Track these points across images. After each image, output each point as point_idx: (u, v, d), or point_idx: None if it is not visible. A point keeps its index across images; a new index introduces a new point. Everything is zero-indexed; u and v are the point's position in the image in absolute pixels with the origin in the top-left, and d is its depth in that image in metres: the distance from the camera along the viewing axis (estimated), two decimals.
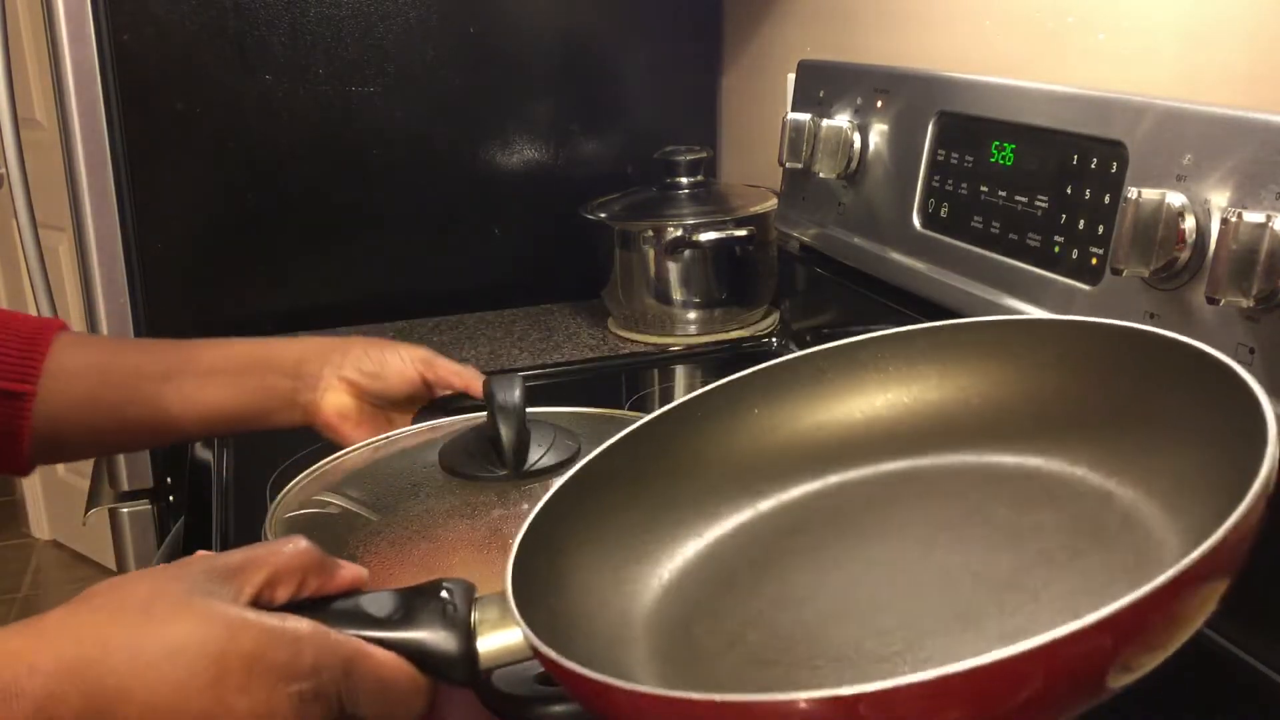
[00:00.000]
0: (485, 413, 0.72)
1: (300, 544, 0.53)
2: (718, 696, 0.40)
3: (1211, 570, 0.41)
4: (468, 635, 0.52)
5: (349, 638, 0.51)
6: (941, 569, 0.53)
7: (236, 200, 1.40)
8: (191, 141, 1.36)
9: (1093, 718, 0.65)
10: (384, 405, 0.84)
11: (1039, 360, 0.58)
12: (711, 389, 0.62)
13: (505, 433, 0.69)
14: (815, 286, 1.28)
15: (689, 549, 0.59)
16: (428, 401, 0.86)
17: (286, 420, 0.84)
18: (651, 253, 1.32)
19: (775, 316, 1.39)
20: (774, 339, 1.35)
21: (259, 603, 0.51)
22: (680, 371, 1.31)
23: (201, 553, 0.52)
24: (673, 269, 1.32)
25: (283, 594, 0.52)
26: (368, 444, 0.80)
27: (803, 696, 0.39)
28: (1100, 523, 0.52)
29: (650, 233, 1.32)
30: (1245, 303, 0.67)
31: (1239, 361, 0.70)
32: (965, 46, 1.07)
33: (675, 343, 1.34)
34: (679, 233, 1.30)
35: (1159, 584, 0.40)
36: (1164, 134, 0.76)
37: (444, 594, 0.53)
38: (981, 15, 1.05)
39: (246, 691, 0.47)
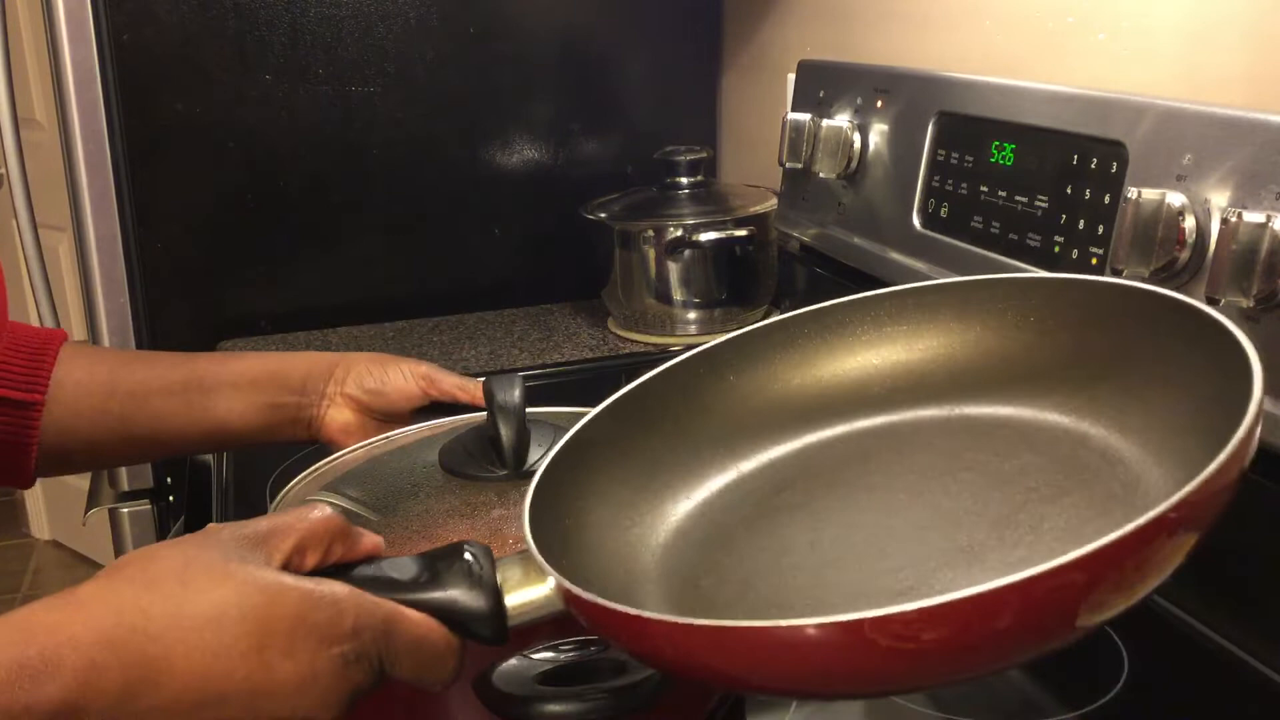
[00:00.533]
0: (485, 413, 0.72)
1: (325, 510, 0.53)
2: (749, 623, 0.42)
3: (1217, 485, 0.43)
4: (495, 593, 0.52)
5: (385, 599, 0.51)
6: (935, 512, 0.55)
7: (236, 200, 1.40)
8: (191, 141, 1.36)
9: (1095, 717, 0.65)
10: (387, 420, 0.85)
11: (1005, 319, 0.60)
12: (686, 357, 0.63)
13: (505, 432, 0.69)
14: (815, 286, 1.28)
15: (680, 510, 0.61)
16: (425, 416, 0.86)
17: (291, 435, 0.85)
18: (651, 253, 1.32)
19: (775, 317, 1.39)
20: None
21: (288, 569, 0.50)
22: None
23: (217, 524, 0.52)
24: (673, 269, 1.32)
25: (311, 560, 0.52)
26: (367, 444, 0.80)
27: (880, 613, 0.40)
28: (1081, 461, 0.54)
29: (650, 233, 1.32)
30: (1245, 303, 0.67)
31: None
32: (965, 46, 1.07)
33: (675, 343, 1.34)
34: (679, 233, 1.30)
35: (1169, 504, 0.41)
36: (1164, 134, 0.76)
37: (467, 555, 0.53)
38: (981, 15, 1.05)
39: (290, 655, 0.47)
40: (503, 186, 1.49)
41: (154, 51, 1.32)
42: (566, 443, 0.59)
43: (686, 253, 1.31)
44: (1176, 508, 0.41)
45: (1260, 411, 0.45)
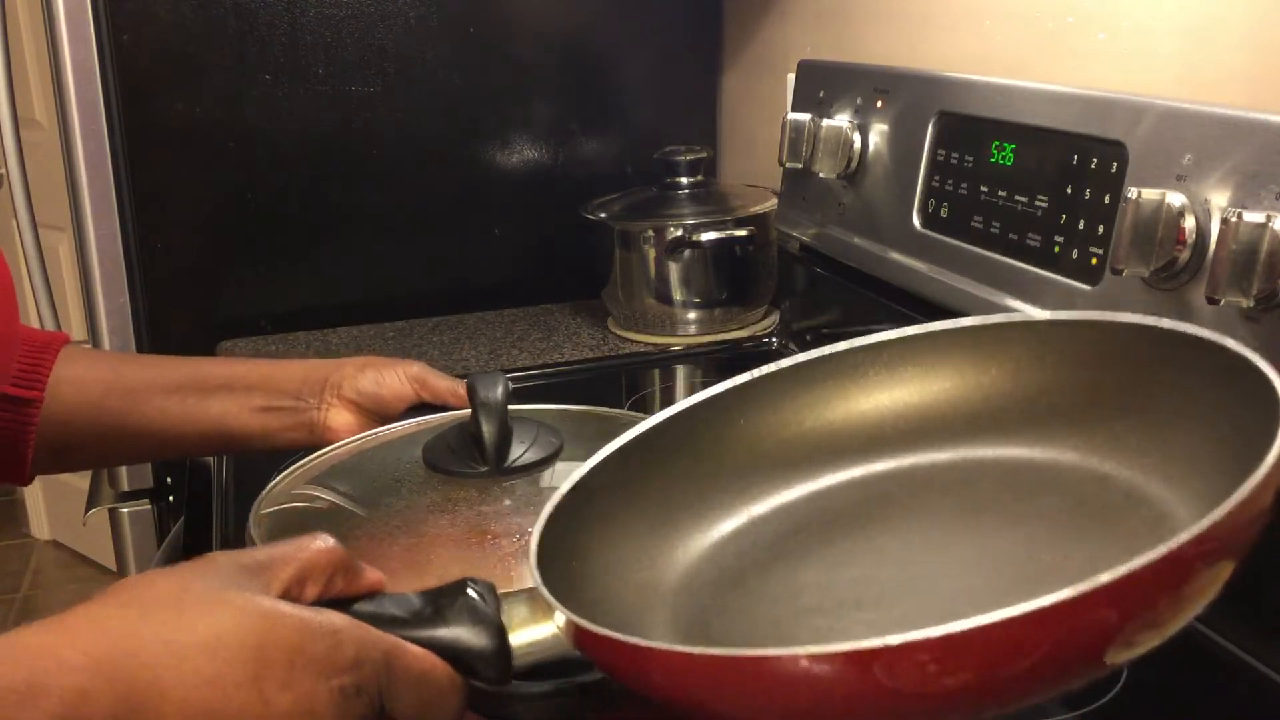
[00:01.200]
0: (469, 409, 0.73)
1: (327, 541, 0.52)
2: (747, 651, 0.40)
3: (1237, 523, 0.41)
4: (500, 632, 0.51)
5: (386, 633, 0.50)
6: (955, 556, 0.54)
7: (236, 200, 1.40)
8: (191, 141, 1.36)
9: (1095, 717, 0.65)
10: (383, 421, 0.86)
11: (1019, 359, 0.59)
12: (697, 400, 0.63)
13: (486, 429, 0.70)
14: (815, 286, 1.28)
15: (690, 553, 0.60)
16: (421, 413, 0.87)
17: (291, 440, 0.85)
18: (651, 253, 1.32)
19: (775, 316, 1.39)
20: (774, 339, 1.35)
21: (287, 598, 0.49)
22: (680, 372, 1.32)
23: (217, 552, 0.50)
24: (673, 269, 1.32)
25: (311, 591, 0.50)
26: (353, 440, 0.81)
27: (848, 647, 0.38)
28: (1103, 501, 0.53)
29: (650, 233, 1.32)
30: (1245, 303, 0.67)
31: None
32: (965, 46, 1.07)
33: (675, 343, 1.34)
34: (679, 233, 1.30)
35: (1189, 536, 0.39)
36: (1164, 134, 0.76)
37: (471, 592, 0.52)
38: (981, 15, 1.05)
39: (288, 686, 0.46)
40: (503, 186, 1.49)
41: (154, 51, 1.32)
42: (575, 484, 0.58)
43: (686, 253, 1.31)
44: (1202, 537, 0.40)
45: None
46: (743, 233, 1.30)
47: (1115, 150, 0.81)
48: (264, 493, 0.74)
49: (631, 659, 0.45)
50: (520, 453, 0.71)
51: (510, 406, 0.72)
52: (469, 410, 0.72)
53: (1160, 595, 0.41)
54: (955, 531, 0.55)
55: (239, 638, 0.46)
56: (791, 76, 1.30)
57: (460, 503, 0.68)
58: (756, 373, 0.63)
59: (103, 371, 0.84)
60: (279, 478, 0.75)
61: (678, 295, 1.34)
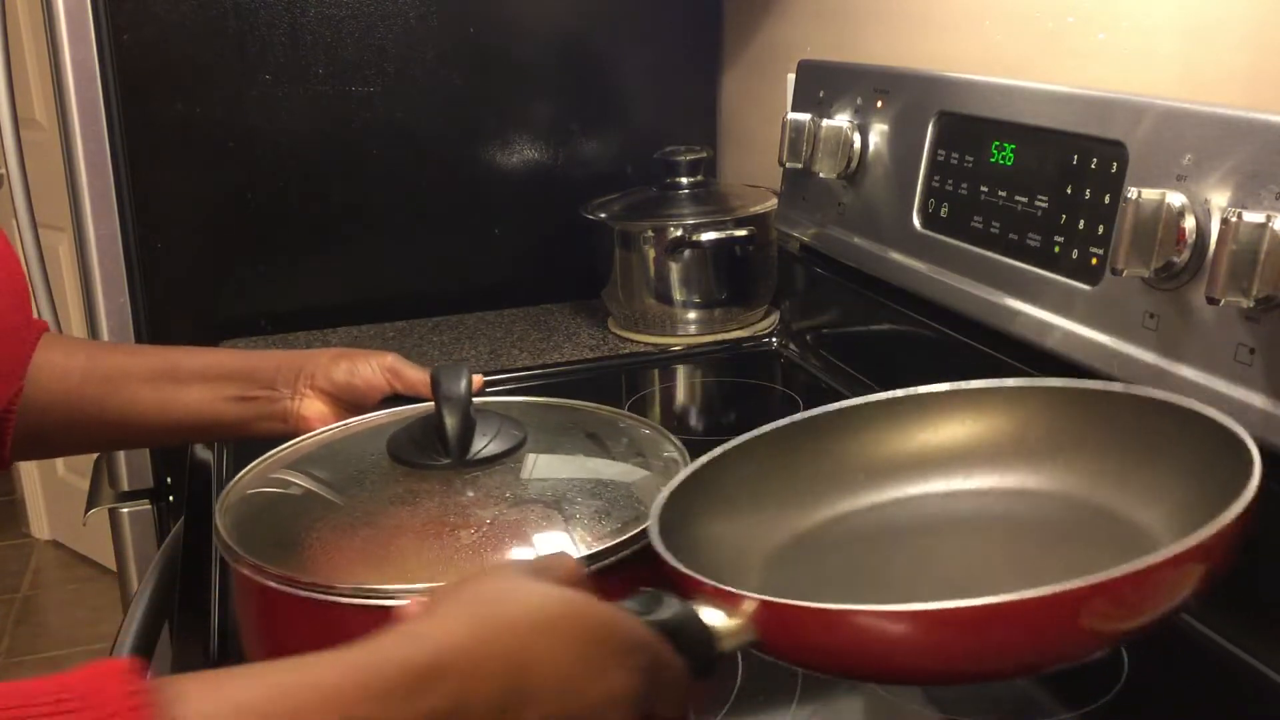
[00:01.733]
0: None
1: (572, 558, 0.55)
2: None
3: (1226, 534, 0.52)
4: (704, 624, 0.54)
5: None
6: (987, 550, 0.67)
7: (236, 200, 1.40)
8: (191, 141, 1.36)
9: (1095, 717, 0.65)
10: (358, 411, 0.87)
11: (1043, 413, 0.70)
12: (802, 418, 0.74)
13: (449, 422, 0.70)
14: (815, 286, 1.28)
15: (780, 535, 0.70)
16: (396, 403, 0.88)
17: (267, 430, 0.86)
18: (651, 253, 1.32)
19: (775, 316, 1.39)
20: (774, 339, 1.35)
21: None
22: (680, 371, 1.32)
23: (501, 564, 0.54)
24: (673, 269, 1.32)
25: None
26: (322, 431, 0.82)
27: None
28: (1092, 524, 0.65)
29: (650, 233, 1.32)
30: (1245, 303, 0.67)
31: (1238, 362, 0.70)
32: (965, 46, 1.07)
33: (675, 343, 1.34)
34: (679, 233, 1.30)
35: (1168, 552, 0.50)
36: (1164, 134, 0.76)
37: (666, 598, 0.55)
38: (981, 15, 1.05)
39: (610, 666, 0.49)
40: (503, 186, 1.49)
41: (154, 51, 1.32)
42: (692, 471, 0.69)
43: (686, 253, 1.31)
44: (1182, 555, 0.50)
45: (1258, 495, 0.54)
46: (743, 233, 1.30)
47: (1115, 150, 0.81)
48: (231, 483, 0.75)
49: (832, 623, 0.51)
50: (483, 445, 0.71)
51: (475, 399, 0.73)
52: (432, 405, 0.73)
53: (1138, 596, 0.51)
54: (978, 539, 0.67)
55: (572, 620, 0.49)
56: (791, 76, 1.30)
57: (422, 494, 0.69)
58: (850, 402, 0.75)
59: (80, 359, 0.84)
60: (246, 470, 0.76)
61: (678, 295, 1.34)
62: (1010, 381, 0.72)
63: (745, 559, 0.66)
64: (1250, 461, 0.55)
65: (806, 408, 0.99)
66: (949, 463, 0.72)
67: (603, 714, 0.48)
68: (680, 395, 1.29)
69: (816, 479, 0.72)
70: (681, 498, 0.66)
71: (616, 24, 1.50)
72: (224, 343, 1.40)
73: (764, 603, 0.53)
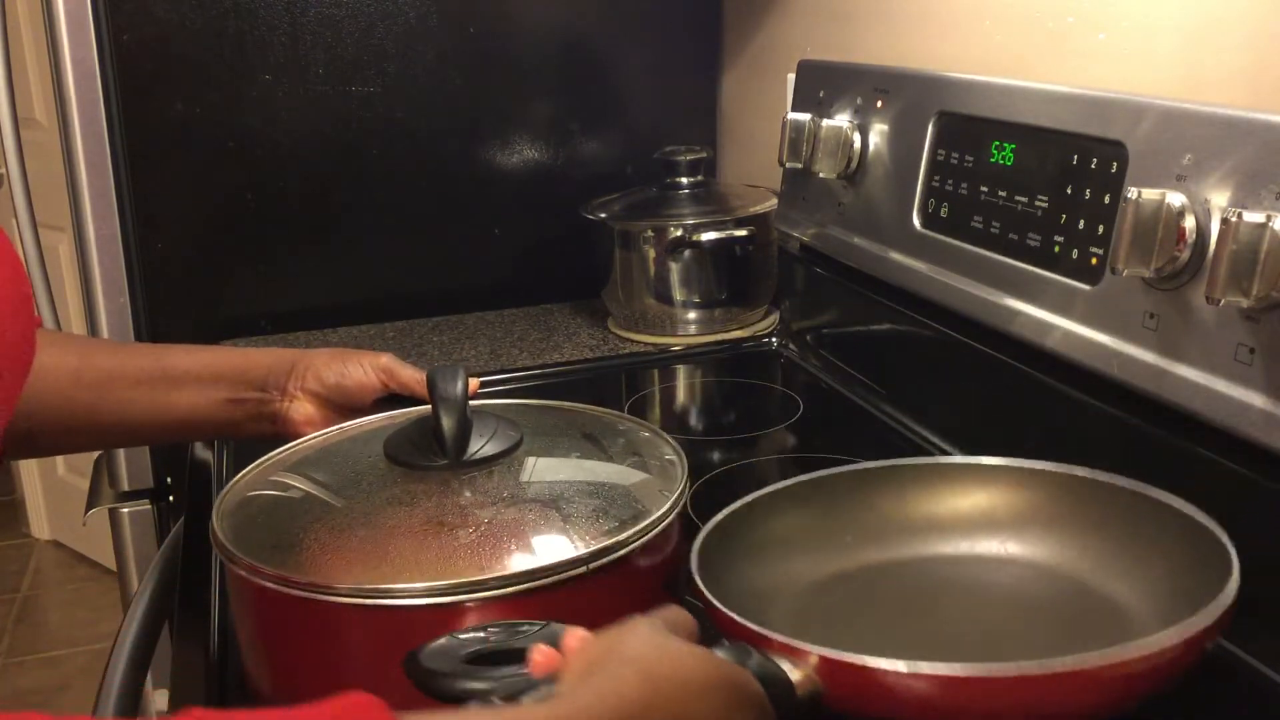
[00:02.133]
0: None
1: (690, 616, 0.58)
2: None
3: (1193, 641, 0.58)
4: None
5: None
6: (979, 616, 0.71)
7: (236, 200, 1.40)
8: (191, 141, 1.36)
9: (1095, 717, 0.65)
10: (350, 412, 0.87)
11: (1047, 493, 0.76)
12: (798, 481, 0.78)
13: (446, 423, 0.70)
14: (815, 286, 1.28)
15: (805, 580, 0.75)
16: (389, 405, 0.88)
17: (256, 431, 0.86)
18: (651, 253, 1.32)
19: (775, 316, 1.39)
20: (774, 339, 1.35)
21: None
22: (680, 371, 1.31)
23: (636, 618, 0.55)
24: (673, 269, 1.32)
25: None
26: (319, 435, 0.82)
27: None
28: (1086, 607, 0.70)
29: (650, 233, 1.32)
30: (1245, 303, 0.67)
31: (1238, 362, 0.70)
32: (965, 46, 1.07)
33: (675, 343, 1.34)
34: (679, 233, 1.30)
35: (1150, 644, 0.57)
36: (1164, 134, 0.76)
37: (751, 650, 0.58)
38: (981, 15, 1.05)
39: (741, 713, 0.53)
40: (503, 186, 1.49)
41: (154, 51, 1.32)
42: (724, 517, 0.73)
43: (686, 253, 1.31)
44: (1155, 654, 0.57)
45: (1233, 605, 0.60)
46: (743, 233, 1.30)
47: (1115, 150, 0.81)
48: (228, 485, 0.75)
49: (890, 681, 0.56)
50: (479, 446, 0.71)
51: (472, 401, 0.73)
52: (429, 406, 0.73)
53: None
54: (981, 601, 0.73)
55: (722, 683, 0.53)
56: (791, 76, 1.30)
57: (420, 495, 0.69)
58: (876, 463, 0.80)
59: (72, 360, 0.83)
60: (242, 473, 0.76)
61: (678, 295, 1.34)
62: (1040, 464, 0.77)
63: (773, 602, 0.70)
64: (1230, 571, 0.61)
65: (807, 408, 1.00)
66: (974, 528, 0.77)
67: None
68: (680, 395, 1.29)
69: (852, 529, 0.77)
70: (717, 537, 0.70)
71: (616, 24, 1.50)
72: (224, 343, 1.40)
73: (828, 658, 0.57)
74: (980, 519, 0.77)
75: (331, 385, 0.86)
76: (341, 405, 0.87)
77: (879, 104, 1.11)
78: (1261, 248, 0.65)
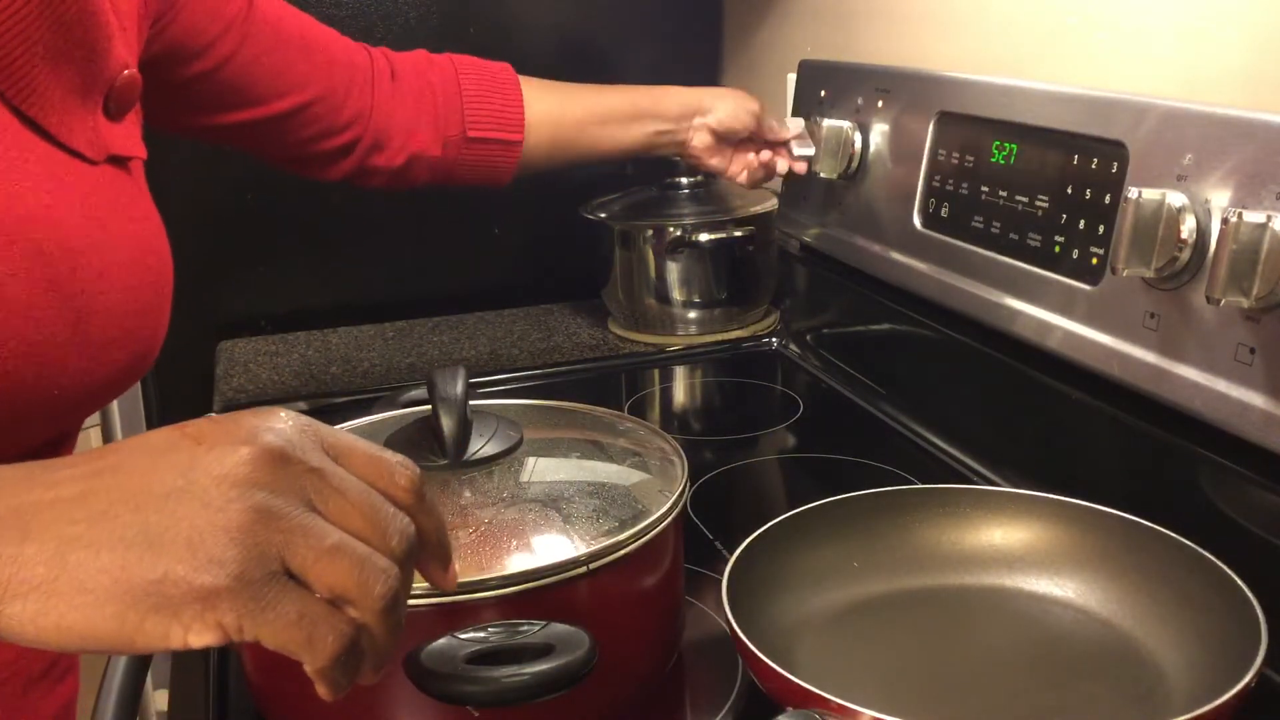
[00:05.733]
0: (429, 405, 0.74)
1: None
2: None
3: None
4: None
5: None
6: (1003, 658, 0.70)
7: (236, 200, 1.40)
8: (191, 141, 1.36)
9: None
10: (728, 140, 1.15)
11: (1081, 530, 0.75)
12: (824, 504, 0.77)
13: (446, 423, 0.70)
14: (815, 286, 1.28)
15: (828, 606, 0.74)
16: (758, 143, 1.17)
17: (667, 152, 1.16)
18: (651, 253, 1.32)
19: (775, 316, 1.39)
20: (774, 339, 1.35)
21: None
22: (680, 371, 1.31)
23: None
24: (673, 269, 1.32)
25: None
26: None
27: None
28: (1120, 654, 0.69)
29: (650, 233, 1.32)
30: (1245, 303, 0.66)
31: (1238, 362, 0.70)
32: (965, 46, 1.07)
33: (675, 343, 1.34)
34: (679, 233, 1.30)
35: None
36: (1164, 134, 0.76)
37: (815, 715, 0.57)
38: (981, 15, 1.05)
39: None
40: (502, 186, 1.49)
41: None
42: (752, 540, 0.72)
43: (686, 253, 1.31)
44: None
45: (1260, 669, 0.58)
46: (742, 233, 1.30)
47: (1115, 150, 0.81)
48: None
49: None
50: (479, 446, 0.71)
51: (471, 401, 0.73)
52: (429, 406, 0.73)
53: None
54: (1008, 640, 0.72)
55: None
56: (791, 76, 1.30)
57: None
58: (896, 489, 0.80)
59: (551, 109, 1.09)
60: None
61: (678, 295, 1.34)
62: (1079, 502, 0.76)
63: (802, 637, 0.70)
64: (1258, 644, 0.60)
65: (807, 408, 1.00)
66: (1010, 561, 0.76)
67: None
68: (680, 395, 1.29)
69: (873, 556, 0.77)
70: (744, 565, 0.70)
71: (616, 24, 1.50)
72: (224, 343, 1.40)
73: None
74: (1010, 551, 0.76)
75: (725, 120, 1.13)
76: (726, 138, 1.15)
77: (879, 104, 1.11)
78: (1261, 248, 0.65)
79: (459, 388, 0.72)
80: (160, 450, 0.42)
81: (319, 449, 0.44)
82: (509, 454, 0.71)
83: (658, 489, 0.70)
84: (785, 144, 1.17)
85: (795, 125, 1.17)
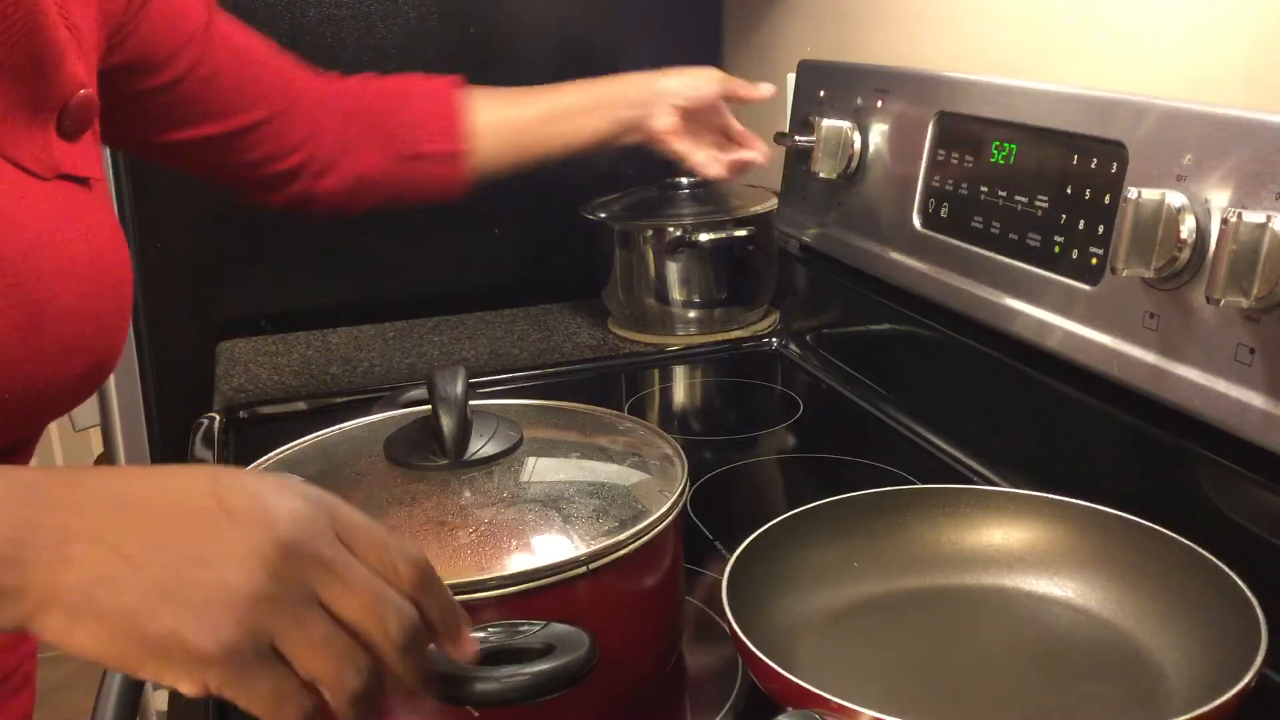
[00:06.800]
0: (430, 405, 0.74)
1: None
2: None
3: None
4: None
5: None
6: (1009, 662, 0.70)
7: (236, 200, 1.40)
8: None
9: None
10: (694, 118, 1.10)
11: (1081, 529, 0.75)
12: (823, 504, 0.77)
13: (446, 423, 0.70)
14: (815, 286, 1.28)
15: (827, 606, 0.74)
16: (724, 116, 1.12)
17: (632, 140, 1.10)
18: (651, 253, 1.32)
19: (775, 316, 1.39)
20: (774, 339, 1.35)
21: None
22: (680, 371, 1.31)
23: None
24: (673, 269, 1.32)
25: None
26: (316, 436, 0.81)
27: None
28: (1120, 652, 0.69)
29: (650, 233, 1.32)
30: (1245, 303, 0.66)
31: (1238, 362, 0.70)
32: (965, 46, 1.07)
33: (675, 343, 1.34)
34: (679, 233, 1.30)
35: None
36: (1164, 134, 0.76)
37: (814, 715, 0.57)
38: (981, 15, 1.05)
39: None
40: (502, 186, 1.48)
41: None
42: (751, 540, 0.72)
43: (686, 253, 1.31)
44: None
45: (1260, 670, 0.59)
46: (743, 233, 1.30)
47: (1115, 150, 0.81)
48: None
49: None
50: (479, 446, 0.71)
51: (471, 401, 0.73)
52: (429, 406, 0.73)
53: None
54: (1012, 641, 0.71)
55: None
56: (792, 76, 1.30)
57: (420, 495, 0.69)
58: (897, 489, 0.80)
59: (497, 116, 1.06)
60: (250, 469, 0.76)
61: (678, 295, 1.34)
62: (1079, 502, 0.76)
63: (801, 636, 0.70)
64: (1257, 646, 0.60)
65: (807, 408, 1.00)
66: (1010, 561, 0.76)
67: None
68: (680, 395, 1.29)
69: (874, 556, 0.77)
70: (744, 565, 0.70)
71: (617, 24, 1.50)
72: (224, 343, 1.40)
73: None
74: (1010, 551, 0.76)
75: (691, 97, 1.09)
76: (692, 114, 1.10)
77: (879, 104, 1.11)
78: (1261, 248, 0.65)
79: (459, 388, 0.72)
80: (193, 512, 0.46)
81: (331, 535, 0.48)
82: (509, 454, 0.71)
83: (658, 489, 0.70)
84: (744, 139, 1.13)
85: (766, 87, 1.13)
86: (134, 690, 0.88)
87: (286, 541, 0.46)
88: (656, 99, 1.09)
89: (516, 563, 0.62)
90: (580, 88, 1.09)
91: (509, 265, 1.52)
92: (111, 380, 1.40)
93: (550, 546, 0.64)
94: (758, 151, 1.13)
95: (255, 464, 0.77)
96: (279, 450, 0.79)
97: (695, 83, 1.10)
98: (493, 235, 1.50)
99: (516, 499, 0.68)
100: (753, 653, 0.61)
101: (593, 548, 0.63)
